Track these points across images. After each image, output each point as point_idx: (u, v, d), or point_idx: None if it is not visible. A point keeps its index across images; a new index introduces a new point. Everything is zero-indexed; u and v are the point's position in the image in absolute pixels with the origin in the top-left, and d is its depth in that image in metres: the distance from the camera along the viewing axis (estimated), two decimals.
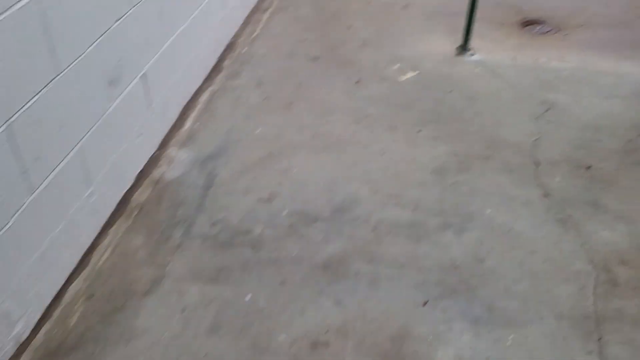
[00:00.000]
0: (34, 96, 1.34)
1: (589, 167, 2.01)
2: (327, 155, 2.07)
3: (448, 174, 1.98)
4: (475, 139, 2.14)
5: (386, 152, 2.08)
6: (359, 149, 2.10)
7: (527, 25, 2.94)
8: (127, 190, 1.87)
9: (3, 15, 1.21)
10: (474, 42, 2.66)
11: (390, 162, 2.04)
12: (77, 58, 1.49)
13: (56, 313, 1.52)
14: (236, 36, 2.75)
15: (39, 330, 1.46)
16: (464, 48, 2.65)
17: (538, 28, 2.91)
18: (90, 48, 1.54)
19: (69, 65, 1.46)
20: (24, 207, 1.35)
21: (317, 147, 2.11)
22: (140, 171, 1.95)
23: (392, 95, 2.38)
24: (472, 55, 2.64)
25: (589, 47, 2.72)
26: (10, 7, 1.23)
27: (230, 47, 2.67)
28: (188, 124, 2.21)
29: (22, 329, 1.40)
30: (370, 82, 2.47)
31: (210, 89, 2.41)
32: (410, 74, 2.52)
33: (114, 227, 1.78)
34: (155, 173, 1.99)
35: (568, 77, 2.49)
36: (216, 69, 2.52)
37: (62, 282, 1.57)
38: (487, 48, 2.70)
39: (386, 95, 2.38)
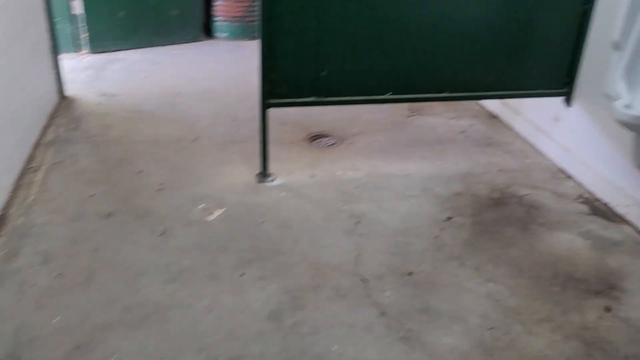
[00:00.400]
0: None
1: (410, 274, 2.08)
2: (147, 329, 1.80)
3: (284, 316, 1.87)
4: (300, 270, 2.08)
5: (214, 308, 1.89)
6: (183, 312, 1.87)
7: (314, 140, 3.09)
8: None
9: None
10: (271, 166, 2.68)
11: (220, 318, 1.85)
12: None
13: None
14: (7, 207, 2.36)
15: None
16: (264, 174, 2.65)
17: (324, 141, 3.08)
18: None
19: None
20: None
21: (134, 322, 1.83)
22: None
23: (205, 240, 2.23)
24: (273, 180, 2.65)
25: (374, 153, 2.94)
26: None
27: (1, 222, 2.27)
28: None
29: None
30: (177, 230, 2.29)
31: None
32: (217, 212, 2.40)
33: None
34: None
35: (365, 185, 2.63)
36: None
37: None
38: (285, 170, 2.74)
39: (198, 242, 2.22)
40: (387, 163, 2.85)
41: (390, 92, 2.56)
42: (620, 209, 2.43)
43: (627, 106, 2.00)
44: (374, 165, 2.82)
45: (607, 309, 1.92)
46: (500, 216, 2.42)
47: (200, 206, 2.45)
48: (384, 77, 2.53)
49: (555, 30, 2.56)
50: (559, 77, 2.68)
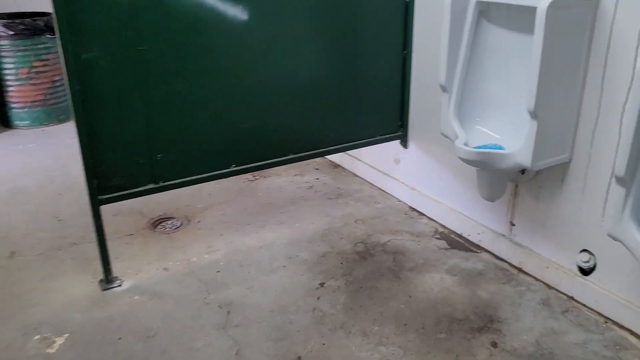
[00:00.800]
0: None
1: (299, 358, 1.90)
2: None
3: None
4: None
5: None
6: None
7: (157, 226, 2.79)
8: None
9: None
10: (115, 267, 2.33)
11: None
12: None
13: None
14: None
15: None
16: (108, 279, 2.29)
17: (169, 225, 2.80)
18: None
19: None
20: None
21: None
22: None
23: None
24: (120, 284, 2.30)
25: (227, 227, 2.74)
26: None
27: None
28: None
29: None
30: None
31: None
32: (59, 341, 1.99)
33: None
34: None
35: (227, 267, 2.41)
36: None
37: None
38: (132, 268, 2.41)
39: None
40: (244, 236, 2.67)
41: (234, 165, 2.41)
42: (474, 238, 2.54)
43: (466, 144, 2.10)
44: (230, 241, 2.62)
45: (494, 344, 1.95)
46: (370, 270, 2.38)
47: (35, 337, 2.01)
48: (226, 149, 2.37)
49: (381, 78, 2.65)
50: (392, 122, 2.77)
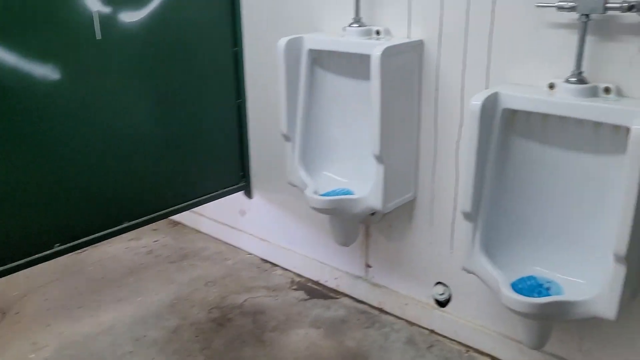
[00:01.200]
0: None
1: None
2: None
3: None
4: None
5: None
6: None
7: None
8: None
9: None
10: None
11: None
12: None
13: None
14: None
15: None
16: None
17: None
18: None
19: None
20: None
21: None
22: None
23: None
24: None
25: (54, 315, 2.33)
26: None
27: None
28: None
29: None
30: None
31: None
32: None
33: None
34: None
35: None
36: None
37: None
38: None
39: None
40: (77, 322, 2.29)
41: (58, 244, 2.06)
42: (331, 283, 2.49)
43: (315, 192, 2.04)
44: (60, 332, 2.23)
45: None
46: (231, 338, 2.18)
47: None
48: (45, 228, 2.01)
49: (217, 129, 2.50)
50: (233, 173, 2.62)
